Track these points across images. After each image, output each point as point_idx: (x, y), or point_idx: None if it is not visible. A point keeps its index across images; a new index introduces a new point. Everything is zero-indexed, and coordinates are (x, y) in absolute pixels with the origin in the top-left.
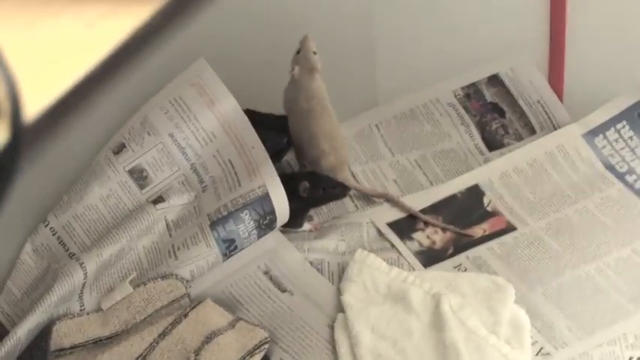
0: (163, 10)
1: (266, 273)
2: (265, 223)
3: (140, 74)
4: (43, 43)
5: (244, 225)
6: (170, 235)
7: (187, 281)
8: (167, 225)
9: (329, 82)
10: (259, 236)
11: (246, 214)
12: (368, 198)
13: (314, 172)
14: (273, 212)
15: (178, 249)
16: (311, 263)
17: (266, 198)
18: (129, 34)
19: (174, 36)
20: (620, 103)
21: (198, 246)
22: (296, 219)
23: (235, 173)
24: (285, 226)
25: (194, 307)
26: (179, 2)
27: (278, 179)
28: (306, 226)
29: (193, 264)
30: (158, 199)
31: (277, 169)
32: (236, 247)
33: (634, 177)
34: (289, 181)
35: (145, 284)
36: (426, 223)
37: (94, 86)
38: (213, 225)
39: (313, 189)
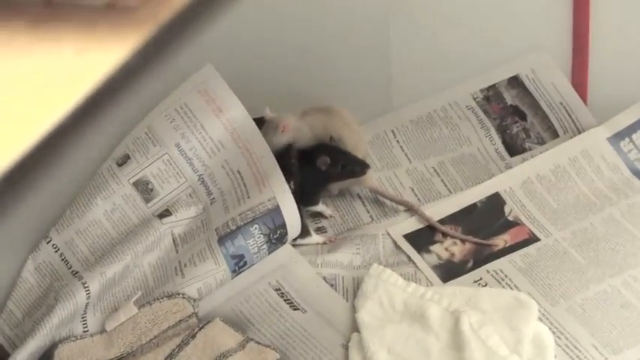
0: (141, 50)
1: (277, 290)
2: (276, 237)
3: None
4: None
5: (254, 240)
6: (177, 251)
7: (195, 300)
8: (174, 240)
9: (344, 86)
10: (270, 251)
11: (255, 229)
12: (383, 208)
13: (334, 147)
14: (283, 226)
15: (185, 266)
16: (324, 278)
17: (276, 211)
18: (104, 76)
19: (151, 74)
20: None
21: (206, 263)
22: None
23: (244, 184)
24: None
25: (202, 328)
26: (155, 41)
27: (289, 191)
28: (320, 238)
29: (201, 282)
30: (164, 213)
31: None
32: (245, 264)
33: None
34: (308, 155)
35: (150, 304)
36: (445, 235)
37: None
38: (222, 240)
39: (332, 165)
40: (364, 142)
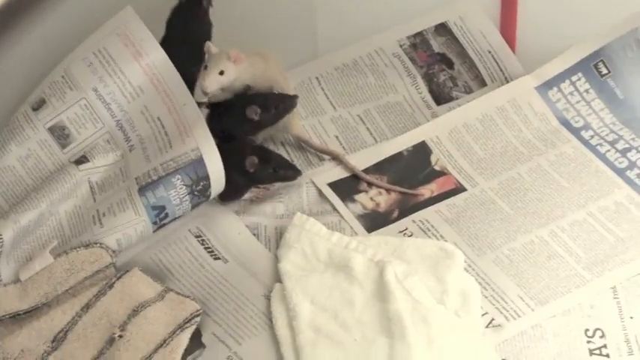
0: None
1: (198, 237)
2: (198, 189)
3: (61, 23)
4: None
5: (176, 191)
6: (94, 200)
7: (113, 251)
8: (91, 187)
9: (267, 32)
10: (192, 203)
11: (177, 179)
12: (307, 157)
13: (264, 148)
14: (207, 177)
15: (104, 215)
16: (247, 227)
17: (200, 162)
18: None
19: None
20: (575, 54)
21: (126, 213)
22: (238, 192)
23: (165, 133)
24: (225, 199)
25: (120, 277)
26: None
27: (213, 142)
28: (246, 194)
29: (120, 232)
30: (81, 159)
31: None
32: (167, 215)
33: (590, 133)
34: (236, 153)
35: (66, 253)
36: (370, 184)
37: None
38: (142, 190)
39: (262, 166)
40: (291, 87)
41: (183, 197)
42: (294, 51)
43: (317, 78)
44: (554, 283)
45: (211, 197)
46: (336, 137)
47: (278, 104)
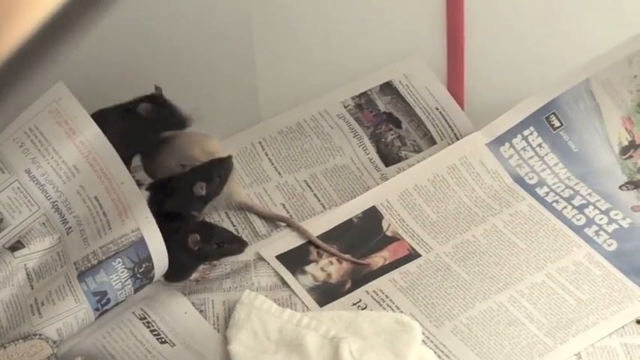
0: None
1: (143, 319)
2: (141, 271)
3: None
4: None
5: (117, 275)
6: (32, 287)
7: (54, 341)
8: (28, 275)
9: (206, 97)
10: (135, 286)
11: (118, 263)
12: (254, 228)
13: (206, 223)
14: (149, 259)
15: (42, 304)
16: (193, 304)
17: (141, 243)
18: None
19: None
20: (526, 107)
21: (66, 300)
22: (185, 272)
23: (104, 213)
24: (171, 279)
25: None
26: None
27: (154, 222)
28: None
29: (60, 321)
30: (16, 245)
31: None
32: (109, 301)
33: (545, 189)
34: (178, 232)
35: (4, 347)
36: (320, 254)
37: None
38: (82, 276)
39: (205, 243)
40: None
41: (125, 281)
42: (235, 116)
43: (260, 143)
44: (516, 352)
45: (155, 279)
46: (283, 205)
47: (219, 171)
